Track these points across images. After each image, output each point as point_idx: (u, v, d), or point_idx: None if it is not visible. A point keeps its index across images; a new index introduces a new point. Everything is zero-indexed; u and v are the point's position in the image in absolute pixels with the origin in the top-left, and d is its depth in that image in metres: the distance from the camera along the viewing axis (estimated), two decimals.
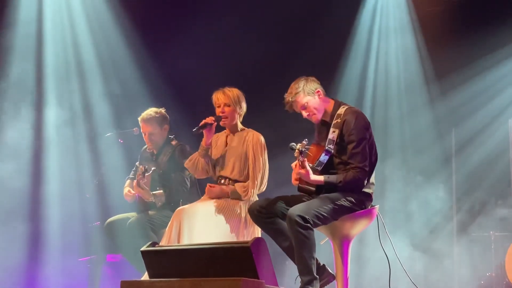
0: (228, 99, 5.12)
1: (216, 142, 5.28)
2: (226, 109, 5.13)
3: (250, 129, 5.21)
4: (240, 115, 5.20)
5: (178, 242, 4.81)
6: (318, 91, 4.56)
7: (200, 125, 5.06)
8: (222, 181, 5.15)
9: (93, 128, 7.27)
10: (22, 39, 7.17)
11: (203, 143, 5.16)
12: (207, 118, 5.08)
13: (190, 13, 7.63)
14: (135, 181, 5.62)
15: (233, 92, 5.16)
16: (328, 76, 7.50)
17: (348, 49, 7.81)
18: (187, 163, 5.27)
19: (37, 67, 7.26)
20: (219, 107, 5.16)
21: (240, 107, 5.16)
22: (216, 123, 5.10)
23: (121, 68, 7.50)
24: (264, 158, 5.08)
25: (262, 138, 5.12)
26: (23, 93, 7.13)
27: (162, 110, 5.83)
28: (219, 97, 5.15)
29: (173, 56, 7.37)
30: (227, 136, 5.25)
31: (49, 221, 7.12)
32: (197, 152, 5.22)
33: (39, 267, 7.09)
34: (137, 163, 5.83)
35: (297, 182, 4.45)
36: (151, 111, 5.80)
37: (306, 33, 7.56)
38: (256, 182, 5.02)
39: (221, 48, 7.45)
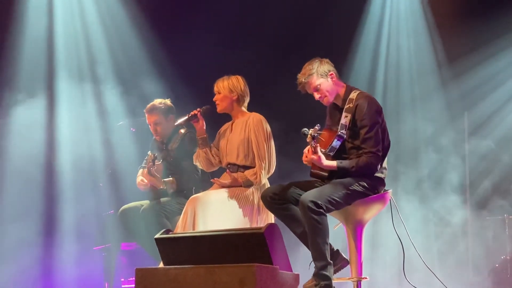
0: (217, 88, 5.22)
1: (224, 131, 5.31)
2: (216, 96, 5.23)
3: (252, 112, 5.21)
4: (235, 100, 5.20)
5: (194, 230, 4.83)
6: (332, 74, 4.54)
7: (183, 119, 5.22)
8: (231, 168, 5.17)
9: (105, 117, 7.28)
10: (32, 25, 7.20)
11: (197, 134, 5.26)
12: (193, 111, 5.21)
13: None
14: (145, 169, 5.64)
15: (224, 81, 5.19)
16: (340, 61, 7.41)
17: (359, 34, 7.76)
18: (194, 160, 5.38)
19: (48, 58, 7.29)
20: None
21: (232, 92, 5.17)
22: (199, 113, 5.17)
23: (132, 57, 7.50)
24: (267, 139, 5.07)
25: (263, 119, 5.11)
26: (34, 83, 7.14)
27: (168, 101, 5.80)
28: (215, 86, 5.27)
29: (185, 42, 7.36)
30: (232, 124, 5.28)
31: (63, 211, 7.15)
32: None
33: (54, 256, 7.13)
34: (149, 152, 5.85)
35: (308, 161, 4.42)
36: (155, 101, 5.78)
37: (317, 17, 7.51)
38: (262, 164, 5.02)
39: (229, 36, 7.42)
